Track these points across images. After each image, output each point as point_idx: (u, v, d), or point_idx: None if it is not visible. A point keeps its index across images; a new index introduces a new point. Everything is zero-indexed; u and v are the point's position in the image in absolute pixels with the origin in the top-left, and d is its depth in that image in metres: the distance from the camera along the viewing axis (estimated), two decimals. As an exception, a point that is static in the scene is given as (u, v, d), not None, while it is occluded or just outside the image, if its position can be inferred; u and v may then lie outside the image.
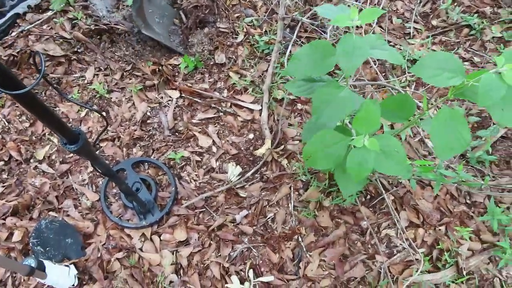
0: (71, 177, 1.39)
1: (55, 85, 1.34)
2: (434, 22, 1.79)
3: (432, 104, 1.58)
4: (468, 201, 1.46)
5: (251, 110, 1.54)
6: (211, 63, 1.62)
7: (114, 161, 1.42)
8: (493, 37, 1.75)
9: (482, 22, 1.75)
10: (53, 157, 1.41)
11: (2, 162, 1.37)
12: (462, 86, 0.81)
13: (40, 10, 1.60)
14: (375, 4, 1.74)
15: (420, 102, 1.32)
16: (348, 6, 1.60)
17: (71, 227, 1.29)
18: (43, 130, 1.44)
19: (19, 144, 1.41)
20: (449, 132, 0.83)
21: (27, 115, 1.45)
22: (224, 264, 1.28)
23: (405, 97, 1.02)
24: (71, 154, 1.41)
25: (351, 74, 0.86)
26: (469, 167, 1.50)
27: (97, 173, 1.39)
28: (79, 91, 1.50)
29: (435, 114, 0.83)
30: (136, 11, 1.54)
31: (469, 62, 1.70)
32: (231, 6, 1.72)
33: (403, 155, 0.88)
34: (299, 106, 1.57)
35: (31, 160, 1.39)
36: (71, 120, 1.46)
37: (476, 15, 1.79)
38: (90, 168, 1.39)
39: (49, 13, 1.59)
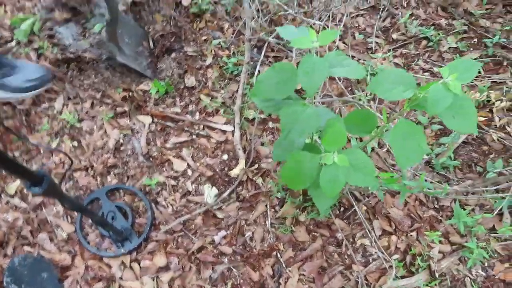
0: (45, 210, 1.37)
1: (19, 134, 1.34)
2: (394, 36, 1.87)
3: (394, 115, 1.65)
4: (436, 206, 1.53)
5: (224, 131, 1.57)
6: (182, 86, 1.64)
7: (88, 190, 1.42)
8: (450, 48, 1.85)
9: (439, 34, 1.85)
10: (25, 190, 1.39)
11: (-29, 201, 1.34)
12: (415, 98, 0.86)
13: (4, 41, 1.58)
14: (338, 21, 1.81)
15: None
16: (311, 26, 1.67)
17: (45, 261, 1.28)
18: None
19: (-13, 180, 1.38)
20: (407, 143, 0.88)
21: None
22: (205, 286, 1.29)
23: (367, 112, 1.07)
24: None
25: (313, 94, 0.90)
26: (435, 173, 1.57)
27: (72, 205, 1.38)
28: (49, 122, 1.48)
29: (394, 125, 0.89)
30: (109, 36, 1.53)
31: (429, 72, 1.79)
32: (198, 29, 1.75)
33: (371, 167, 0.93)
34: (270, 124, 1.61)
35: (2, 195, 1.37)
36: (42, 151, 1.45)
37: (432, 27, 1.89)
38: (64, 200, 1.38)
39: (13, 43, 1.57)
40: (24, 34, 1.55)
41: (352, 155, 0.93)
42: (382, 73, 0.89)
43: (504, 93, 1.72)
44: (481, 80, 1.75)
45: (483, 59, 1.84)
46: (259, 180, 1.50)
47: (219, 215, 1.43)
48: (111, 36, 1.54)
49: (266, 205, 1.46)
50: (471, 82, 1.73)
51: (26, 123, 1.47)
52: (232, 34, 1.76)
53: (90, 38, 1.63)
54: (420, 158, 0.89)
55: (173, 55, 1.65)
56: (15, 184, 1.39)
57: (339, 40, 1.75)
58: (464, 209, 1.50)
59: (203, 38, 1.73)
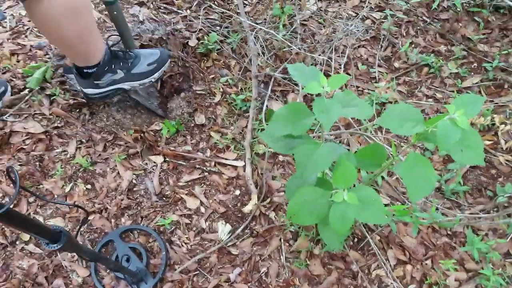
0: (59, 255, 1.37)
1: (37, 193, 1.37)
2: (396, 64, 1.92)
3: (402, 146, 1.67)
4: (449, 232, 1.53)
5: (235, 167, 1.59)
6: (192, 125, 1.67)
7: (103, 233, 1.43)
8: (451, 73, 1.89)
9: (439, 60, 1.89)
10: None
11: (-12, 249, 1.35)
12: (423, 132, 0.89)
13: (17, 90, 1.62)
14: (341, 53, 1.86)
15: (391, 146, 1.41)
16: (315, 59, 1.71)
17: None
18: (27, 210, 1.43)
19: (3, 227, 1.39)
20: (418, 177, 0.91)
21: (10, 197, 1.44)
22: (223, 327, 1.29)
23: (376, 146, 1.10)
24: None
25: (330, 128, 0.93)
26: (445, 199, 1.58)
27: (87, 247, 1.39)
28: (62, 166, 1.51)
29: (404, 158, 0.91)
30: None
31: (432, 98, 1.83)
32: (205, 68, 1.79)
33: (380, 205, 0.94)
34: (280, 158, 1.63)
35: (17, 242, 1.38)
36: (55, 196, 1.46)
37: (432, 54, 1.94)
38: (81, 243, 1.39)
39: (26, 91, 1.61)
40: (36, 82, 1.59)
41: (361, 192, 0.94)
42: (391, 109, 0.92)
43: (507, 116, 1.74)
44: (484, 104, 1.78)
45: (484, 82, 1.87)
46: (272, 214, 1.51)
47: (234, 251, 1.44)
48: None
49: (280, 240, 1.46)
50: (475, 108, 1.76)
51: (40, 169, 1.49)
52: (239, 71, 1.80)
53: (100, 81, 1.67)
54: (430, 190, 0.91)
55: (182, 94, 1.69)
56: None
57: (343, 71, 1.80)
58: (477, 235, 1.50)
59: (211, 76, 1.78)
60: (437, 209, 1.53)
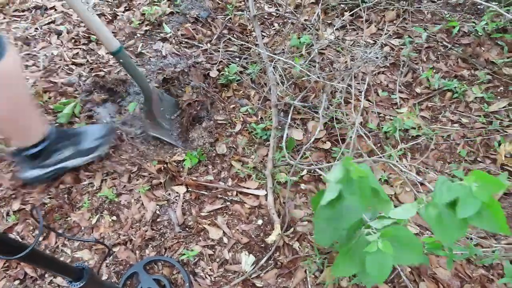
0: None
1: (60, 232, 1.40)
2: (418, 90, 1.90)
3: (429, 172, 1.62)
4: (485, 264, 1.45)
5: (257, 196, 1.58)
6: (213, 154, 1.69)
7: (127, 265, 1.43)
8: (476, 98, 1.85)
9: (463, 85, 1.86)
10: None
11: (18, 281, 1.37)
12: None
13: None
14: (361, 80, 1.86)
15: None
16: (334, 87, 1.71)
17: None
18: (56, 242, 1.46)
19: (32, 259, 1.42)
20: (448, 227, 0.83)
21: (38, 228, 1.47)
22: None
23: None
24: (85, 264, 1.42)
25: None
26: (479, 229, 1.50)
27: (112, 280, 1.39)
28: (89, 199, 1.54)
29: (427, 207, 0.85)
30: (145, 114, 1.64)
31: (458, 123, 1.79)
32: (226, 98, 1.83)
33: (418, 243, 0.90)
34: (302, 186, 1.61)
35: (46, 275, 1.39)
36: (82, 228, 1.49)
37: (455, 79, 1.91)
38: (105, 276, 1.39)
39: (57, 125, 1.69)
40: (66, 117, 1.67)
41: (396, 234, 0.90)
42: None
43: (540, 140, 1.67)
44: (514, 128, 1.72)
45: (512, 106, 1.82)
46: (296, 245, 1.48)
47: (258, 283, 1.40)
48: (146, 114, 1.64)
49: (305, 271, 1.42)
50: (505, 132, 1.70)
51: (68, 201, 1.53)
52: (259, 100, 1.83)
53: (124, 115, 1.73)
54: (463, 233, 0.84)
55: (204, 124, 1.72)
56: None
57: (364, 98, 1.79)
58: (516, 266, 1.41)
59: (232, 106, 1.81)
60: (470, 239, 1.45)
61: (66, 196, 1.54)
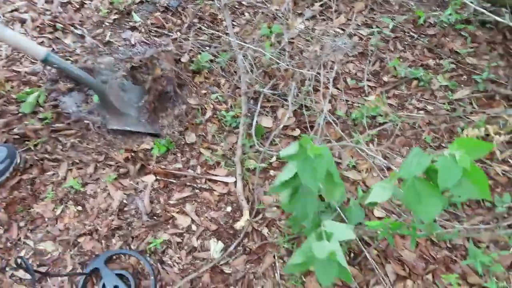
0: (49, 281, 1.34)
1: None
2: (385, 78, 1.93)
3: (395, 158, 1.66)
4: (449, 245, 1.49)
5: (226, 183, 1.58)
6: (182, 142, 1.67)
7: (93, 255, 1.40)
8: (441, 86, 1.90)
9: (428, 74, 1.91)
10: (30, 261, 1.37)
11: (-23, 274, 1.32)
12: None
13: (11, 114, 1.64)
14: (329, 69, 1.88)
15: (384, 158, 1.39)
16: (303, 75, 1.72)
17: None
18: (18, 234, 1.41)
19: (-8, 252, 1.37)
20: (424, 203, 0.84)
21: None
22: None
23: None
24: (48, 255, 1.38)
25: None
26: (443, 211, 1.54)
27: (77, 271, 1.36)
28: (53, 189, 1.50)
29: (405, 185, 0.85)
30: (104, 108, 1.61)
31: (424, 110, 1.83)
32: (198, 83, 1.82)
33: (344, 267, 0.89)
34: (271, 173, 1.62)
35: (7, 268, 1.35)
36: (46, 219, 1.45)
37: (421, 68, 1.95)
38: (69, 267, 1.36)
39: (20, 115, 1.63)
40: (30, 107, 1.62)
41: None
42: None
43: (501, 127, 1.73)
44: (476, 115, 1.78)
45: (475, 94, 1.88)
46: (265, 230, 1.48)
47: (227, 270, 1.39)
48: (104, 109, 1.61)
49: (274, 256, 1.42)
50: (468, 118, 1.76)
51: (31, 192, 1.49)
52: (229, 88, 1.83)
53: (90, 105, 1.69)
54: (440, 210, 0.84)
55: (176, 111, 1.70)
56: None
57: (332, 86, 1.81)
58: (479, 247, 1.45)
59: (203, 91, 1.80)
60: (434, 221, 1.49)
61: (29, 187, 1.50)
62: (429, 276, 1.41)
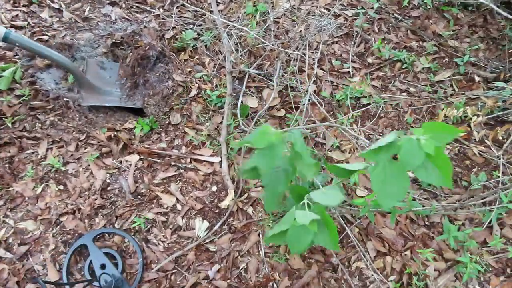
0: (31, 259, 1.33)
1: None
2: (369, 60, 1.94)
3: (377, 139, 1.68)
4: (427, 223, 1.54)
5: (211, 163, 1.57)
6: (166, 122, 1.65)
7: (76, 234, 1.38)
8: (423, 68, 1.93)
9: (411, 56, 1.93)
10: (10, 240, 1.35)
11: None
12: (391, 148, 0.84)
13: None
14: (315, 49, 1.87)
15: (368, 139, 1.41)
16: (289, 56, 1.71)
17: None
18: (-4, 213, 1.38)
19: (-27, 231, 1.34)
20: (389, 183, 0.84)
21: None
22: (202, 325, 1.25)
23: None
24: (29, 234, 1.36)
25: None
26: (422, 190, 1.59)
27: (59, 250, 1.34)
28: (33, 168, 1.46)
29: (374, 165, 0.86)
30: (80, 86, 1.56)
31: (406, 92, 1.86)
32: (183, 60, 1.78)
33: (334, 234, 0.90)
34: (257, 153, 1.62)
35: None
36: (26, 198, 1.42)
37: (405, 50, 1.97)
38: (52, 246, 1.34)
39: (-5, 92, 1.57)
40: (5, 82, 1.55)
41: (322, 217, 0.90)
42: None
43: (479, 108, 1.78)
44: (456, 97, 1.82)
45: (456, 76, 1.92)
46: (250, 210, 1.49)
47: (212, 248, 1.41)
48: (80, 86, 1.56)
49: (259, 234, 1.45)
50: (448, 100, 1.80)
51: (10, 171, 1.45)
52: (214, 68, 1.80)
53: (70, 82, 1.64)
54: (403, 195, 0.85)
55: (164, 91, 1.66)
56: (-1, 234, 1.35)
57: (317, 67, 1.81)
58: (454, 224, 1.51)
59: (188, 69, 1.77)
60: (414, 199, 1.54)
61: (7, 165, 1.46)
62: (408, 252, 1.46)
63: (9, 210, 1.40)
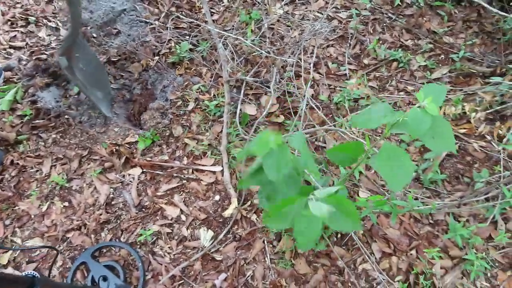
0: (38, 276, 1.34)
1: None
2: (365, 61, 1.95)
3: (376, 140, 1.69)
4: (431, 221, 1.54)
5: (213, 172, 1.59)
6: (167, 134, 1.66)
7: (83, 249, 1.40)
8: (420, 66, 1.93)
9: (407, 55, 1.94)
10: (19, 258, 1.36)
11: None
12: (395, 122, 0.89)
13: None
14: (310, 54, 1.88)
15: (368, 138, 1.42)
16: (285, 61, 1.72)
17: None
18: (4, 233, 1.40)
19: (-20, 252, 1.36)
20: (394, 166, 0.89)
21: (-14, 220, 1.41)
22: (211, 335, 1.26)
23: (353, 143, 1.10)
24: (37, 252, 1.38)
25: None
26: (424, 188, 1.60)
27: (67, 266, 1.36)
28: (38, 186, 1.48)
29: (378, 150, 0.90)
30: (63, 50, 1.45)
31: (404, 91, 1.86)
32: (178, 76, 1.80)
33: (355, 213, 0.92)
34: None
35: (-6, 267, 1.34)
36: (32, 216, 1.44)
37: (400, 49, 1.98)
38: (59, 263, 1.36)
39: (-3, 112, 1.60)
40: (7, 104, 1.58)
41: (337, 201, 0.91)
42: (361, 112, 0.92)
43: (477, 104, 1.78)
44: (454, 93, 1.82)
45: (453, 73, 1.92)
46: (253, 217, 1.50)
47: (218, 257, 1.42)
48: (65, 51, 1.50)
49: (264, 241, 1.45)
50: (446, 97, 1.80)
51: (15, 190, 1.47)
52: (211, 77, 1.82)
53: (70, 99, 1.66)
54: (409, 178, 0.89)
55: (156, 104, 1.69)
56: (7, 254, 1.36)
57: (314, 71, 1.82)
58: (459, 222, 1.51)
59: (185, 84, 1.78)
60: (416, 198, 1.54)
61: (12, 185, 1.48)
62: (413, 252, 1.46)
63: (16, 227, 1.42)
